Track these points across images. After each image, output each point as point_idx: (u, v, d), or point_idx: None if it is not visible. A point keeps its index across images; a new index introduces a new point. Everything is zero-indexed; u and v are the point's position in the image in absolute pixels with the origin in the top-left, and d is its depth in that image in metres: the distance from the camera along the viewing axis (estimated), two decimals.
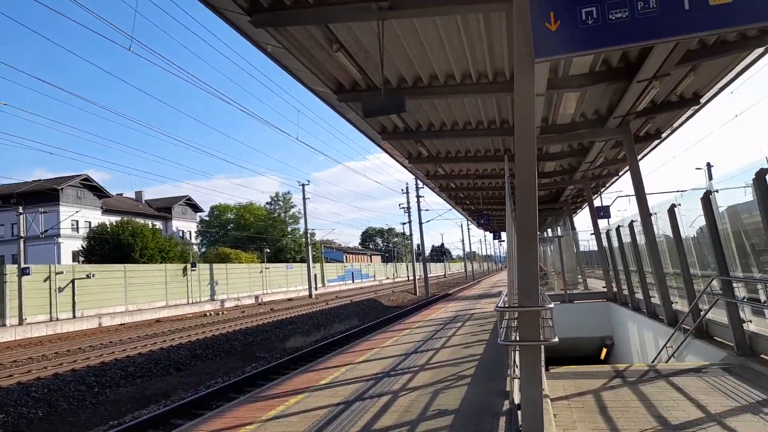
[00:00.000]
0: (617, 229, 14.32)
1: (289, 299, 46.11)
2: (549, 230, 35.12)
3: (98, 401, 13.14)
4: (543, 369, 4.53)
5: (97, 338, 22.76)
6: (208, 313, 34.37)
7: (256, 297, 45.20)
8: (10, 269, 26.63)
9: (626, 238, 13.35)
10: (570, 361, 9.05)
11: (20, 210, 27.85)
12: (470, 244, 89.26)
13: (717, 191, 7.66)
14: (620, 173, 20.13)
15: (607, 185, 24.37)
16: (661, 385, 6.34)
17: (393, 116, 10.62)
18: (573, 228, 25.62)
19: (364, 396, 7.05)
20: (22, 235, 27.30)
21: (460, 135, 12.67)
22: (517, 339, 4.41)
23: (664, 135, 13.95)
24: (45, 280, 28.07)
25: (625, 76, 8.87)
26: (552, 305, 4.43)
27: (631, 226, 12.35)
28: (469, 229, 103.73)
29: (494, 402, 6.18)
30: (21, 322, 25.82)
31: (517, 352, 6.19)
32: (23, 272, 26.04)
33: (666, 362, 9.53)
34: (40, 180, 49.68)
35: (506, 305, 5.97)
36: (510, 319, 4.88)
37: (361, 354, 10.91)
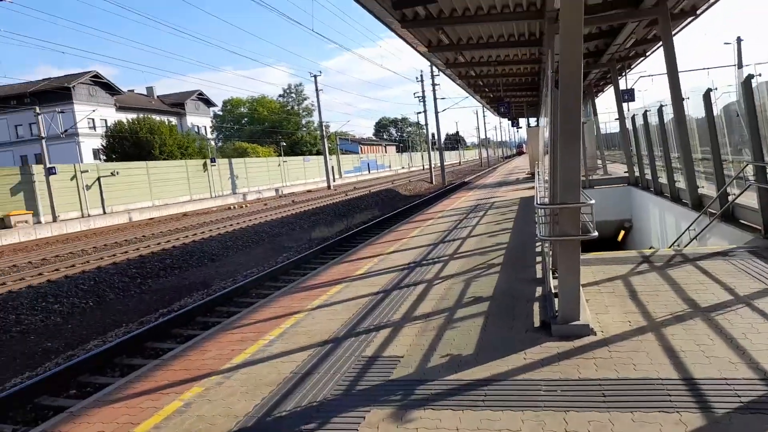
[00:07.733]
0: (644, 114, 14.02)
1: (309, 191, 46.92)
2: None
3: (142, 291, 14.04)
4: (580, 261, 4.73)
5: (129, 233, 23.76)
6: (231, 206, 35.34)
7: (276, 189, 46.08)
8: (37, 169, 27.23)
9: (653, 120, 13.17)
10: (587, 243, 9.31)
11: (38, 110, 27.84)
12: (485, 131, 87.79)
13: (760, 74, 7.39)
14: (648, 53, 19.23)
15: (632, 66, 23.36)
16: (689, 269, 6.58)
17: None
18: (595, 114, 25.02)
19: (400, 285, 7.46)
20: (42, 135, 27.53)
21: (485, 20, 12.07)
22: (556, 234, 4.57)
23: (699, 11, 13.13)
24: (72, 179, 28.77)
25: None
26: (593, 201, 4.52)
27: (660, 111, 12.10)
28: (485, 116, 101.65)
29: (526, 289, 6.51)
30: (55, 218, 26.94)
31: (546, 247, 6.42)
32: (50, 171, 26.69)
33: (687, 245, 9.81)
34: (50, 78, 48.98)
35: (543, 201, 6.07)
36: (547, 215, 5.01)
37: (389, 245, 11.34)
